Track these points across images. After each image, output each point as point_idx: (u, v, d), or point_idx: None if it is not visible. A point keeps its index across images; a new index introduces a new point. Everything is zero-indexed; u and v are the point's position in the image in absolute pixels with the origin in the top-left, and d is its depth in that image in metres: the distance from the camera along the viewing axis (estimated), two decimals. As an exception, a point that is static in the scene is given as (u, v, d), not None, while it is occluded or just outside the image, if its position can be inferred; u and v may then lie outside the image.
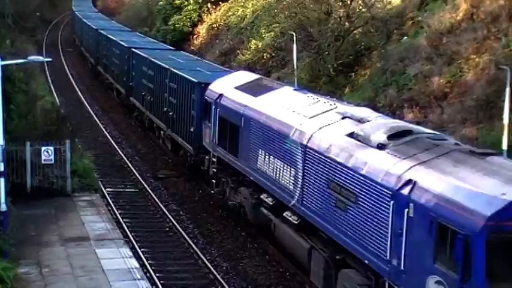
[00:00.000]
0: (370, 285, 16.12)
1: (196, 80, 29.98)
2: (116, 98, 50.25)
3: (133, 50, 43.44)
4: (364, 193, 16.18)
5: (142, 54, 41.12)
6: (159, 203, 27.93)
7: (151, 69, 38.11)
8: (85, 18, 71.12)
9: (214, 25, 59.27)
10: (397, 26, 36.22)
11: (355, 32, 38.29)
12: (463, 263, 12.15)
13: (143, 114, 40.46)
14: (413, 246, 13.90)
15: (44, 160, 26.37)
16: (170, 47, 48.59)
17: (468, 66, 28.84)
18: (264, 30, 48.56)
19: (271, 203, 21.87)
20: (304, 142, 19.22)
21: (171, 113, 33.45)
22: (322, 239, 18.68)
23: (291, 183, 19.99)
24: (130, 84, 43.74)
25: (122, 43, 47.31)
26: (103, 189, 29.07)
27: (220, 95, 25.95)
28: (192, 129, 29.85)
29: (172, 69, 33.82)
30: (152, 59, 38.14)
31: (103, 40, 55.40)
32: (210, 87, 27.57)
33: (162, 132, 36.40)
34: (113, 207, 27.11)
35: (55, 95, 46.31)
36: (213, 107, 26.24)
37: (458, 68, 29.26)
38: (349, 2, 38.42)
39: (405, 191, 14.55)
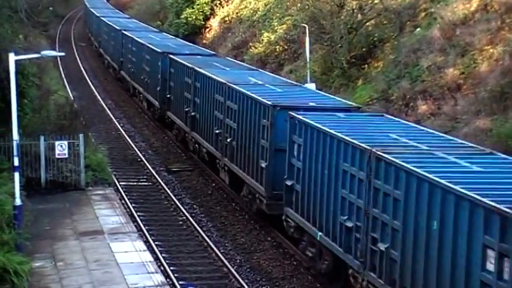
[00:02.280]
0: None
1: None
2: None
3: (279, 107, 23.04)
4: None
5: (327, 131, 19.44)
6: (173, 197, 27.95)
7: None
8: (125, 29, 52.68)
9: (226, 18, 59.26)
10: (410, 18, 36.07)
11: (367, 24, 38.18)
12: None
13: None
14: None
15: (58, 154, 26.46)
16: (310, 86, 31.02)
17: (482, 58, 28.69)
18: (276, 23, 48.52)
19: None
20: None
21: None
22: None
23: None
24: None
25: (237, 88, 26.68)
26: (117, 183, 29.11)
27: None
28: None
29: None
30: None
31: (194, 78, 32.27)
32: None
33: None
34: (127, 201, 27.16)
35: (68, 90, 46.41)
36: None
37: (471, 59, 29.11)
38: (361, -6, 38.36)
39: None
